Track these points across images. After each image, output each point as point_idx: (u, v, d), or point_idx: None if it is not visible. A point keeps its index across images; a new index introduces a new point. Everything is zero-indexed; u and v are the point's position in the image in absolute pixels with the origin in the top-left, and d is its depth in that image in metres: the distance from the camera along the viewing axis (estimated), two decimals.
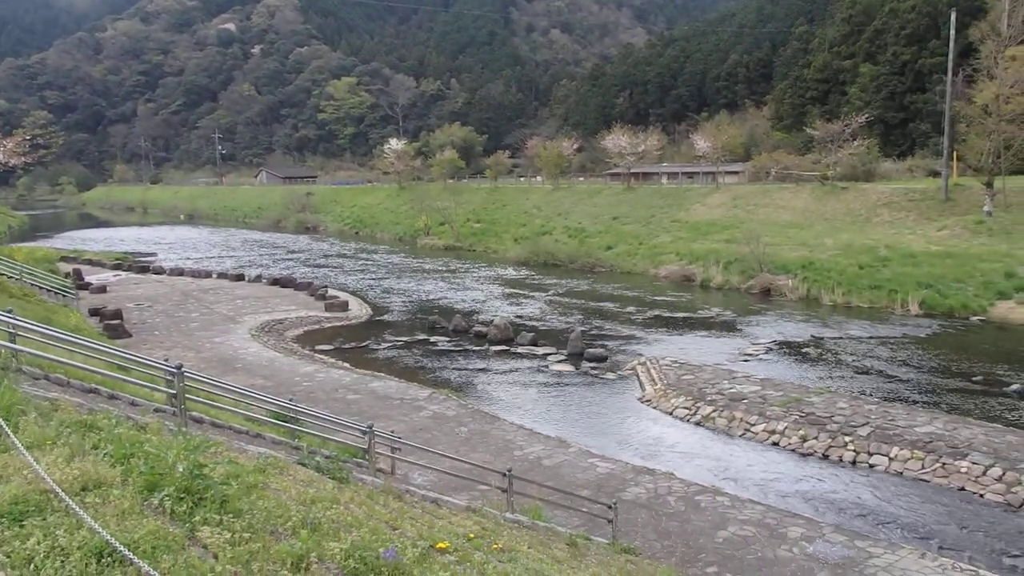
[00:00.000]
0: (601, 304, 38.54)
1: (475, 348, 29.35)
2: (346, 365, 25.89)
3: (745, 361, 26.52)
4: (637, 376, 24.55)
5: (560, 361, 27.10)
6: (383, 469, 13.51)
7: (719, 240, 49.28)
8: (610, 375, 25.06)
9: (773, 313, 35.19)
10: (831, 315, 34.35)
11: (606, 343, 29.41)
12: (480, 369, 26.35)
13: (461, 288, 44.98)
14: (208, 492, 5.17)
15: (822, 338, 29.79)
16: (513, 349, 28.90)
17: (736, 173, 74.68)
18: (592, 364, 26.42)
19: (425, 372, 25.84)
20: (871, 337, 29.72)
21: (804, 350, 28.01)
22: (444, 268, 54.75)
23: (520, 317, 35.13)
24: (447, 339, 30.79)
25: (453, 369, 26.31)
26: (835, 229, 46.31)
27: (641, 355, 27.15)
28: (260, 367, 24.37)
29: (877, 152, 64.42)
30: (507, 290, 43.87)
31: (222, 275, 47.12)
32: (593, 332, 31.48)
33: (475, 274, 51.42)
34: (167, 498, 5.00)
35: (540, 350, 28.69)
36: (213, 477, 5.43)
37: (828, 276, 38.99)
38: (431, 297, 41.81)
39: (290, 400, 13.62)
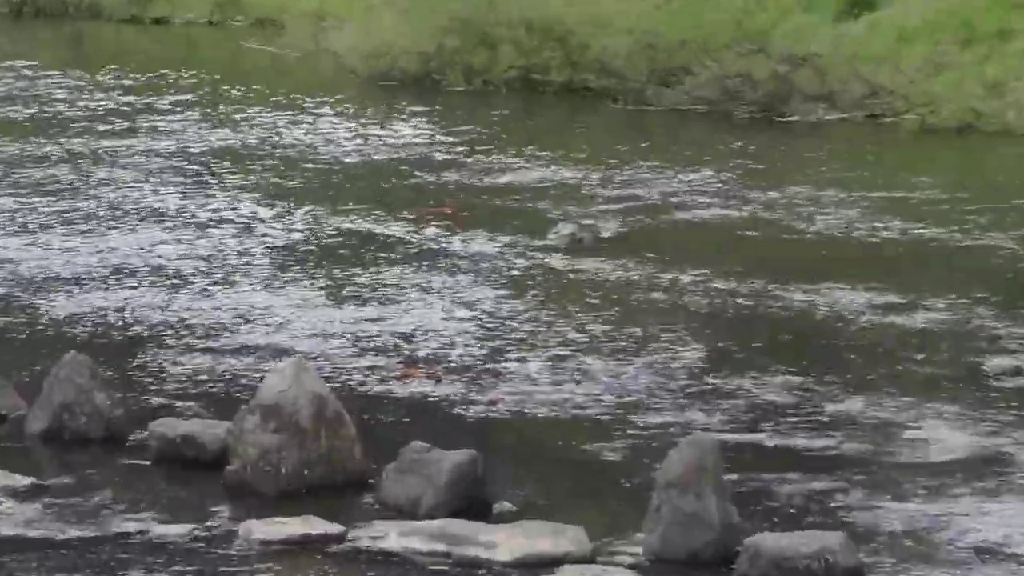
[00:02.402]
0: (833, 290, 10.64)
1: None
2: None
3: None
4: None
5: None
6: None
7: None
8: None
9: None
10: None
11: (901, 494, 6.19)
12: None
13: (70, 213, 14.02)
14: None
15: None
16: (353, 536, 5.46)
17: None
18: None
19: None
20: None
21: None
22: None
23: (402, 351, 9.46)
24: None
25: None
26: None
27: None
28: None
29: None
30: (335, 221, 14.03)
31: None
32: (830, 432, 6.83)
33: (151, 143, 17.93)
34: None
35: (503, 535, 5.22)
36: None
37: None
38: None
39: None
